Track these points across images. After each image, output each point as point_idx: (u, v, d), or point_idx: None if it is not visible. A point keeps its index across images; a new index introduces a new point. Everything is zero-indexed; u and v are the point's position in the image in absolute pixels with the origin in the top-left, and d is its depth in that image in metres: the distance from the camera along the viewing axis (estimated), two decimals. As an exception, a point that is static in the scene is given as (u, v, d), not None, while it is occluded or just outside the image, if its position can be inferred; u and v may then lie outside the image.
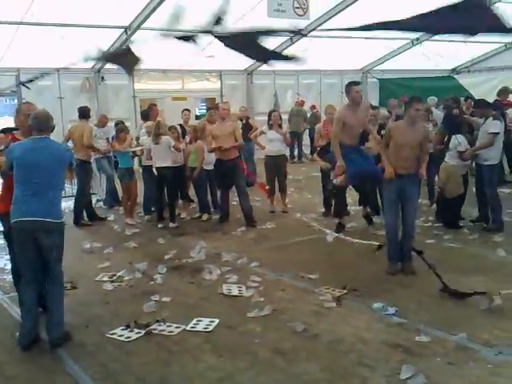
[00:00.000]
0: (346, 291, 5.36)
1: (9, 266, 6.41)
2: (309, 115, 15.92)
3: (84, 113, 9.10)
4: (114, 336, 4.50)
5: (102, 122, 9.86)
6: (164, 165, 8.21)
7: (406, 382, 3.65)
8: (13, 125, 5.30)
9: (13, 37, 11.25)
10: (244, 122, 11.50)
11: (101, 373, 3.91)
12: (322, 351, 4.17)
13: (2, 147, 4.92)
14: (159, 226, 8.29)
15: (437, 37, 15.83)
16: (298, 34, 3.53)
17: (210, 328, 4.60)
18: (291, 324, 4.61)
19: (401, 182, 5.78)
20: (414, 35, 15.85)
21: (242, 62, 15.46)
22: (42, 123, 4.46)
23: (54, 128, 4.63)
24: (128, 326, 4.63)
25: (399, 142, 5.76)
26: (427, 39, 15.46)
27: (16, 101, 13.87)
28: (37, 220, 4.27)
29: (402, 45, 16.85)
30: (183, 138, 9.04)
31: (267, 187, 9.01)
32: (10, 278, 6.03)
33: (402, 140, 5.75)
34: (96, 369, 3.97)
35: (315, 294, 5.33)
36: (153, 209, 8.90)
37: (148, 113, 10.09)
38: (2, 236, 5.25)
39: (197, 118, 15.22)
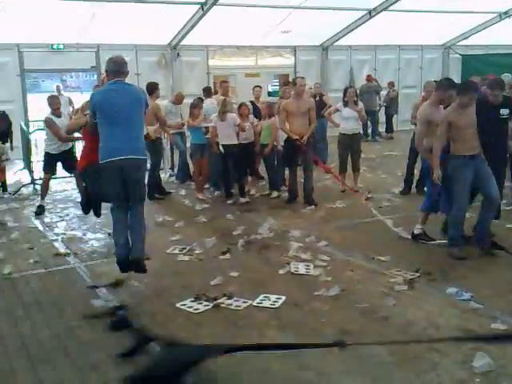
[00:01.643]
0: (418, 274, 5.17)
1: (86, 236, 6.74)
2: (386, 92, 15.43)
3: (149, 89, 8.74)
4: (183, 307, 4.58)
5: (178, 100, 9.94)
6: (229, 142, 8.22)
7: (478, 369, 3.48)
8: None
9: (92, 13, 11.57)
10: (318, 98, 11.29)
11: (170, 343, 3.98)
12: (391, 334, 4.06)
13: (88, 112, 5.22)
14: (228, 202, 8.35)
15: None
16: (338, 345, 3.55)
17: (277, 305, 4.58)
18: (359, 305, 4.52)
19: (474, 162, 5.56)
20: (502, 8, 14.96)
21: (317, 36, 15.24)
22: (120, 66, 4.76)
23: (128, 73, 4.88)
24: (197, 298, 4.71)
25: (461, 125, 5.51)
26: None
27: (95, 76, 14.35)
28: (127, 158, 4.59)
29: (488, 19, 15.92)
30: (254, 115, 8.98)
31: (333, 170, 8.75)
32: (86, 247, 6.32)
33: (464, 123, 5.50)
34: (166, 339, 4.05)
35: (386, 276, 5.18)
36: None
37: (210, 89, 10.10)
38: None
39: (269, 94, 15.14)
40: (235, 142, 8.25)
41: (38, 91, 14.20)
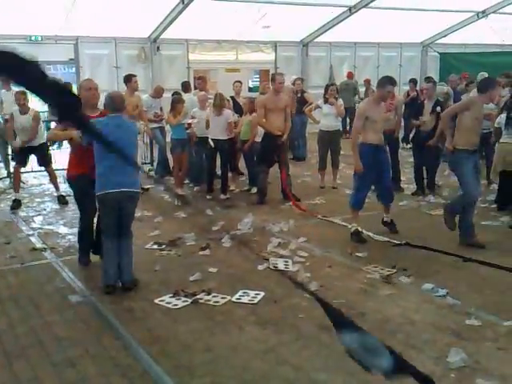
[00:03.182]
0: (395, 270, 5.24)
1: (62, 231, 6.67)
2: (364, 89, 15.51)
3: (124, 80, 9.09)
4: (161, 303, 4.57)
5: (158, 93, 9.88)
6: (221, 137, 8.20)
7: (453, 364, 3.55)
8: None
9: (72, 5, 11.41)
10: (300, 95, 11.32)
11: (148, 338, 3.99)
12: (368, 330, 4.05)
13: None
14: (208, 197, 8.34)
15: (504, 9, 15.10)
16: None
17: (255, 300, 4.60)
18: (337, 301, 4.55)
19: (475, 156, 6.00)
20: (479, 7, 15.16)
21: (298, 33, 15.26)
22: (118, 104, 4.98)
23: (125, 108, 5.13)
24: (176, 294, 4.70)
25: (477, 116, 5.89)
26: (493, 12, 14.74)
27: (74, 69, 14.16)
28: (124, 190, 4.75)
29: (466, 18, 16.14)
30: (235, 110, 8.97)
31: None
32: (63, 241, 6.26)
33: (479, 114, 5.90)
34: (144, 334, 4.05)
35: (363, 272, 5.24)
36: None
37: (188, 84, 10.08)
38: (73, 197, 5.69)
39: (250, 90, 15.13)
40: (226, 137, 8.23)
41: (14, 84, 14.00)
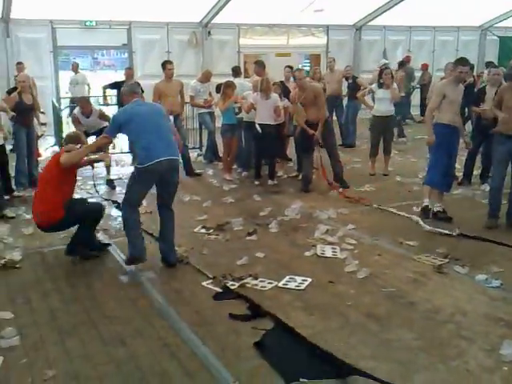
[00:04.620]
0: (447, 260, 5.10)
1: (114, 213, 6.80)
2: (420, 74, 15.09)
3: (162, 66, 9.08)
4: (209, 286, 4.62)
5: (206, 78, 9.90)
6: (268, 122, 8.14)
7: (506, 357, 3.43)
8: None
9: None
10: (351, 81, 11.12)
11: (196, 320, 4.02)
12: (418, 319, 4.01)
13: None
14: (256, 183, 8.33)
15: None
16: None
17: (302, 286, 4.57)
18: (386, 289, 4.48)
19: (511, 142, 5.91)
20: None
21: (351, 16, 14.95)
22: (136, 88, 5.30)
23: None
24: (224, 278, 4.73)
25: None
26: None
27: (126, 54, 14.40)
28: (170, 159, 4.82)
29: (529, -1, 15.35)
30: (284, 95, 8.88)
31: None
32: (114, 223, 6.39)
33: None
34: (191, 315, 4.09)
35: (414, 262, 5.12)
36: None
37: (238, 68, 10.07)
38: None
39: (300, 75, 14.95)
40: (273, 122, 8.18)
41: (69, 69, 14.44)
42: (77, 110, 8.24)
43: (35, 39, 12.47)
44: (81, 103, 8.29)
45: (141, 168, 4.80)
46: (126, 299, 4.41)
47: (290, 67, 10.19)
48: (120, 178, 8.51)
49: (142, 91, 5.41)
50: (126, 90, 5.21)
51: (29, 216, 6.28)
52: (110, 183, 8.24)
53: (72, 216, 5.12)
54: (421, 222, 6.19)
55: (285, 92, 8.98)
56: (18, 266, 5.08)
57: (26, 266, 5.12)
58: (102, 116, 8.11)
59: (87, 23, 12.72)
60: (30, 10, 11.50)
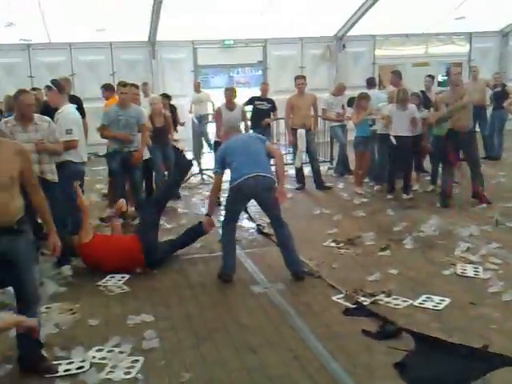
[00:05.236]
0: None
1: (246, 224, 6.95)
2: None
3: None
4: (339, 300, 4.53)
5: (339, 91, 9.85)
6: (404, 134, 7.85)
7: None
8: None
9: (262, 9, 11.90)
10: (499, 88, 10.39)
11: (326, 333, 3.97)
12: None
13: None
14: (389, 197, 8.06)
15: None
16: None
17: (440, 307, 4.32)
18: (536, 316, 4.07)
19: None
20: None
21: (496, 21, 14.03)
22: (234, 126, 5.73)
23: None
24: (354, 293, 4.62)
25: None
26: None
27: (260, 71, 14.74)
28: (256, 175, 4.92)
29: None
30: (424, 105, 8.51)
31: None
32: (246, 235, 6.54)
33: None
34: (321, 329, 4.04)
35: None
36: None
37: (373, 80, 9.86)
38: None
39: (439, 84, 14.31)
40: (410, 134, 7.90)
41: (207, 87, 15.16)
42: (221, 104, 8.32)
43: (178, 59, 13.29)
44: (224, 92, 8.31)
45: (231, 188, 5.07)
46: (257, 308, 4.48)
47: (431, 76, 9.77)
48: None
49: None
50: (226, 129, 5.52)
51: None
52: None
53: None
54: None
55: (425, 102, 8.61)
56: (155, 271, 5.39)
57: (165, 272, 5.41)
58: (244, 113, 8.25)
59: (226, 42, 13.30)
60: (174, 33, 12.29)
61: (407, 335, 3.83)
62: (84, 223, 5.41)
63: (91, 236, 5.36)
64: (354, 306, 4.39)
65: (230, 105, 8.07)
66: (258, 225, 6.77)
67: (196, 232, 5.88)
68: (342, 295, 4.62)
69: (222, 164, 5.26)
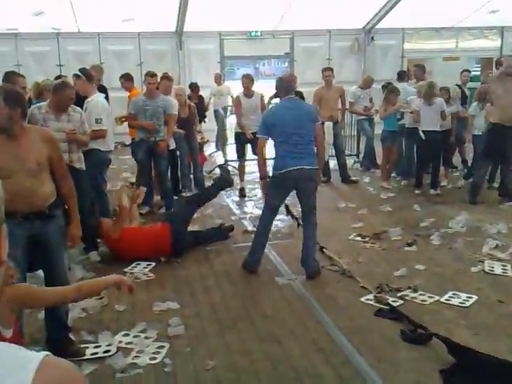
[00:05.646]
0: None
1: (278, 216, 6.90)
2: None
3: None
4: (369, 302, 4.39)
5: (367, 84, 9.76)
6: (432, 128, 7.73)
7: None
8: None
9: (290, 1, 11.82)
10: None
11: (350, 327, 3.96)
12: None
13: None
14: (416, 192, 7.97)
15: None
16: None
17: (467, 304, 4.27)
18: None
19: None
20: None
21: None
22: (290, 86, 5.20)
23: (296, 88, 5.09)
24: (379, 288, 4.58)
25: None
26: None
27: (287, 63, 14.68)
28: (304, 169, 4.81)
29: None
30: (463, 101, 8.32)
31: None
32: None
33: None
34: (345, 323, 4.03)
35: None
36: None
37: (404, 73, 9.77)
38: None
39: (470, 79, 14.07)
40: (438, 128, 7.76)
41: (233, 78, 15.18)
42: (239, 93, 8.22)
43: (204, 50, 13.30)
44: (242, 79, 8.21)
45: (274, 175, 4.98)
46: (281, 300, 4.48)
47: (468, 71, 9.61)
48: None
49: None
50: (280, 86, 5.12)
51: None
52: (241, 191, 8.21)
53: None
54: None
55: (463, 97, 8.45)
56: (178, 260, 5.43)
57: (190, 262, 5.44)
58: (263, 101, 8.11)
59: (253, 33, 13.26)
60: (201, 23, 12.28)
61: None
62: (118, 221, 5.50)
63: (119, 233, 5.43)
64: (383, 307, 4.24)
65: (247, 92, 7.98)
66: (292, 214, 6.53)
67: (222, 233, 6.09)
68: (370, 295, 4.47)
69: (267, 131, 5.03)
